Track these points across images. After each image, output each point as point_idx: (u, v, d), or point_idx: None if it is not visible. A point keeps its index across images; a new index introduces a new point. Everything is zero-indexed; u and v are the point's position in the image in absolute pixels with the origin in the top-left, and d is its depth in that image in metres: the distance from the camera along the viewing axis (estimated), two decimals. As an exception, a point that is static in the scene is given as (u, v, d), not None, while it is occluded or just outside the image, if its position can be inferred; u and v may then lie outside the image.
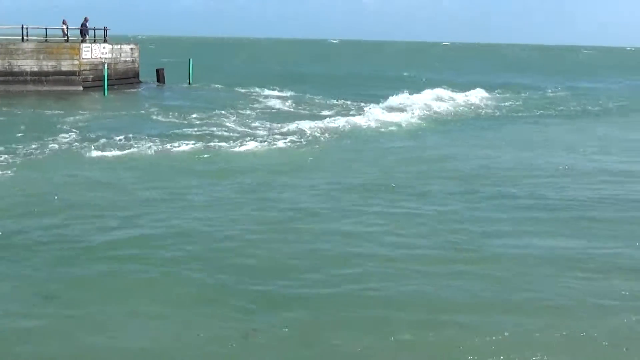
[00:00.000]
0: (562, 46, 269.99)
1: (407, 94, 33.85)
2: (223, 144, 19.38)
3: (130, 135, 20.18)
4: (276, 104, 32.03)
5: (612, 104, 37.09)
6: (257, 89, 38.88)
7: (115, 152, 17.70)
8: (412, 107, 30.31)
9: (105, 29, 39.17)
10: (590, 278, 9.29)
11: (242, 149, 18.77)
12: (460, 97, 35.96)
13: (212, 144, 19.29)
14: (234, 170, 15.73)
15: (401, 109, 29.41)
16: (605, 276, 9.36)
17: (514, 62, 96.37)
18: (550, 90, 44.65)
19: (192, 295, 8.54)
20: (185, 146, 18.77)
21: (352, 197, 13.30)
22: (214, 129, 22.51)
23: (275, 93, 37.49)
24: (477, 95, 37.36)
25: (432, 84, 40.52)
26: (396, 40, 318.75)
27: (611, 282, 9.16)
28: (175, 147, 18.68)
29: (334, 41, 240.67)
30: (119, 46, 38.65)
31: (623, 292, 8.76)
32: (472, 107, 32.51)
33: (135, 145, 18.64)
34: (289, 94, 37.09)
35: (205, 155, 17.61)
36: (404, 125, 24.88)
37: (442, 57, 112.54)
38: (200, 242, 10.46)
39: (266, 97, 35.56)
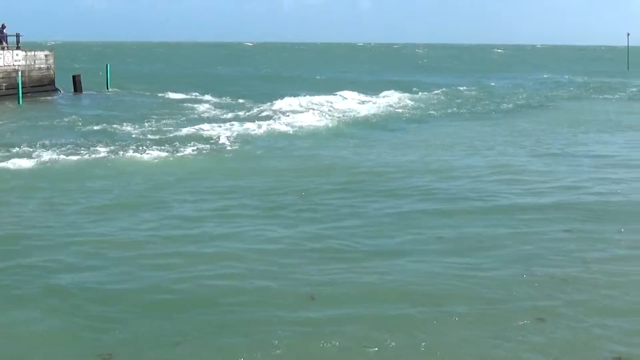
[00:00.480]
0: (476, 45, 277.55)
1: (316, 95, 35.03)
2: (129, 152, 19.28)
3: (44, 144, 20.09)
4: (194, 108, 32.49)
5: (520, 100, 39.12)
6: (174, 94, 39.28)
7: (28, 163, 17.45)
8: (320, 108, 31.37)
9: (17, 35, 38.58)
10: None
11: (145, 156, 18.77)
12: (372, 98, 37.13)
13: (121, 152, 19.21)
14: (123, 179, 15.82)
15: (310, 110, 30.45)
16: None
17: (428, 62, 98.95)
18: (463, 88, 46.57)
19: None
20: (95, 154, 18.84)
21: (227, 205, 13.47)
22: (127, 136, 22.61)
23: (193, 97, 37.99)
24: (389, 96, 38.62)
25: (343, 85, 41.84)
26: (313, 42, 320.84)
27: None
28: (84, 155, 18.71)
29: (249, 44, 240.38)
30: (32, 53, 38.21)
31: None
32: (384, 108, 33.55)
33: (47, 155, 18.41)
34: (206, 97, 37.59)
35: (108, 164, 17.64)
36: (314, 128, 25.49)
37: (356, 58, 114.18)
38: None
39: (183, 101, 36.18)
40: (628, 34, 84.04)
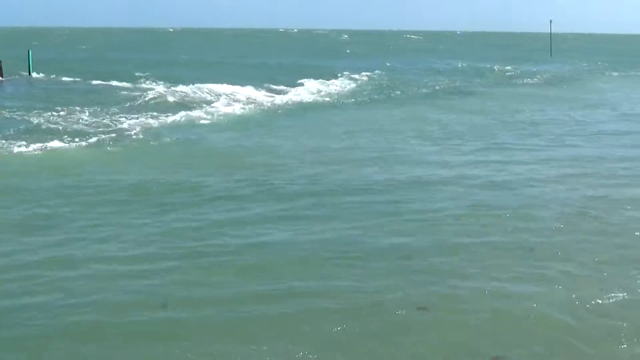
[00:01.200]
0: (391, 31, 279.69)
1: (236, 85, 34.93)
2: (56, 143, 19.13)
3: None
4: (120, 95, 32.21)
5: (430, 88, 40.13)
6: (99, 81, 38.86)
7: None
8: (236, 97, 31.70)
9: None
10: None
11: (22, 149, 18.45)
12: (290, 88, 36.96)
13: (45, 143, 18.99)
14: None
15: (228, 99, 30.81)
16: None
17: (351, 49, 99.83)
18: (377, 73, 47.41)
19: None
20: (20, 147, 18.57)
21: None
22: (49, 125, 22.29)
23: (119, 84, 37.71)
24: (308, 83, 38.95)
25: (265, 72, 41.93)
26: (235, 27, 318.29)
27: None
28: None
29: (171, 30, 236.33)
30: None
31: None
32: (303, 96, 33.95)
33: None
34: (129, 85, 37.25)
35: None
36: (228, 118, 25.83)
37: (278, 44, 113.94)
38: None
39: (108, 87, 35.96)
40: (551, 21, 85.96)
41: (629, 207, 13.12)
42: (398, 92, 36.91)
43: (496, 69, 56.39)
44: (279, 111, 28.48)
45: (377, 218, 12.40)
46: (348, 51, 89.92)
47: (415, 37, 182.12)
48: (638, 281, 9.44)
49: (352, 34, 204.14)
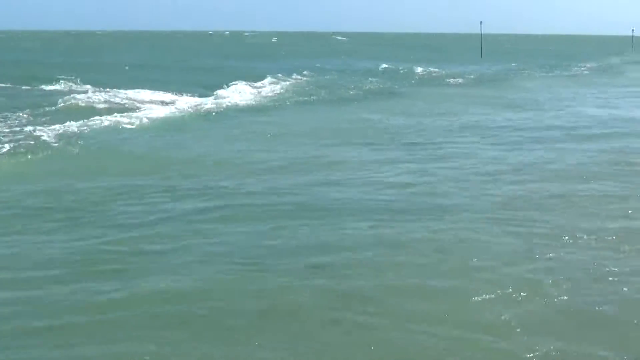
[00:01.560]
0: (320, 32, 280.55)
1: (160, 90, 34.17)
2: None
3: None
4: (37, 99, 30.90)
5: (356, 89, 39.85)
6: (18, 85, 37.39)
7: None
8: (162, 100, 31.16)
9: None
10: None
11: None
12: (218, 91, 35.98)
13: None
14: None
15: (155, 103, 30.30)
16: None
17: (282, 50, 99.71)
18: (305, 76, 47.21)
19: None
20: None
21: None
22: None
23: (38, 87, 36.56)
24: (236, 86, 38.27)
25: (192, 75, 41.24)
26: (160, 29, 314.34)
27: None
28: None
29: (99, 33, 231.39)
30: None
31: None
32: (230, 99, 33.46)
33: None
34: (50, 88, 36.22)
35: None
36: (152, 122, 25.22)
37: (208, 46, 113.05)
38: None
39: (27, 91, 34.80)
40: (481, 22, 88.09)
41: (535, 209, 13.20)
42: (325, 94, 36.74)
43: (420, 70, 56.50)
44: (204, 115, 27.89)
45: (281, 220, 12.21)
46: (283, 53, 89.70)
47: (342, 38, 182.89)
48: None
49: (281, 35, 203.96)
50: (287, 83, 42.42)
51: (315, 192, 14.49)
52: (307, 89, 39.60)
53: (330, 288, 9.27)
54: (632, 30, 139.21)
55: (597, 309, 8.69)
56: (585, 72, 63.43)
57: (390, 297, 9.00)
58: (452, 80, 48.66)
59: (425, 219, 12.41)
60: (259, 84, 40.71)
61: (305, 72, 49.14)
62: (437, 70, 58.20)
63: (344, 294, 9.06)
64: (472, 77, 52.61)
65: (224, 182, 15.25)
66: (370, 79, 47.20)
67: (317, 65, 60.52)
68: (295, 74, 47.47)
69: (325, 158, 18.21)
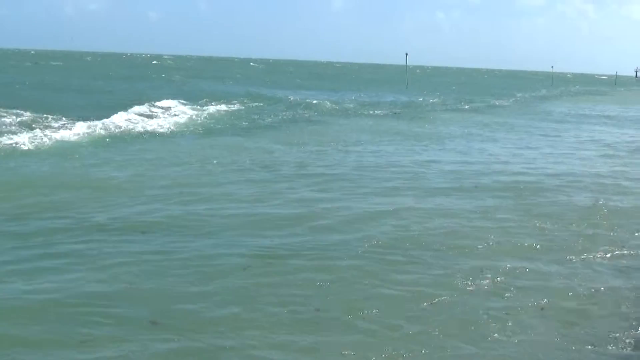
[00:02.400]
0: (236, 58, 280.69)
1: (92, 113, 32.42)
2: None
3: None
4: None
5: (270, 117, 38.68)
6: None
7: None
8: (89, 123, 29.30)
9: None
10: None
11: None
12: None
13: None
14: None
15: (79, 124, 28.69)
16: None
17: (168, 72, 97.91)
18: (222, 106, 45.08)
19: None
20: None
21: None
22: None
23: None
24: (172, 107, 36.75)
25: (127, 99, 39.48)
26: (98, 51, 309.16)
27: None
28: None
29: (33, 52, 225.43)
30: None
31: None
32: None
33: None
34: None
35: None
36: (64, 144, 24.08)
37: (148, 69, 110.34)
38: None
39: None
40: (407, 54, 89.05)
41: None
42: (236, 123, 35.38)
43: (327, 103, 52.52)
44: (95, 141, 26.13)
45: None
46: (178, 76, 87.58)
47: (255, 64, 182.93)
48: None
49: (181, 59, 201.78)
50: (193, 110, 40.60)
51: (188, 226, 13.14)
52: (217, 116, 38.21)
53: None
54: (552, 67, 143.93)
55: None
56: (506, 104, 64.13)
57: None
58: (371, 111, 47.54)
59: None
60: (155, 109, 38.63)
61: (207, 99, 47.14)
62: (362, 99, 57.43)
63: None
64: (392, 107, 51.95)
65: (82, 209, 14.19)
66: (284, 108, 45.90)
67: (231, 90, 58.99)
68: (204, 99, 46.04)
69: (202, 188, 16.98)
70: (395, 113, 47.17)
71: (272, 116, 39.51)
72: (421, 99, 64.91)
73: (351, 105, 52.15)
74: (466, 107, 58.15)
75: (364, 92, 73.35)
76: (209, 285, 10.03)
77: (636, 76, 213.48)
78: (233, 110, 42.43)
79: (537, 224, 14.39)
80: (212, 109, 41.69)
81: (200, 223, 13.57)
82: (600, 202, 17.03)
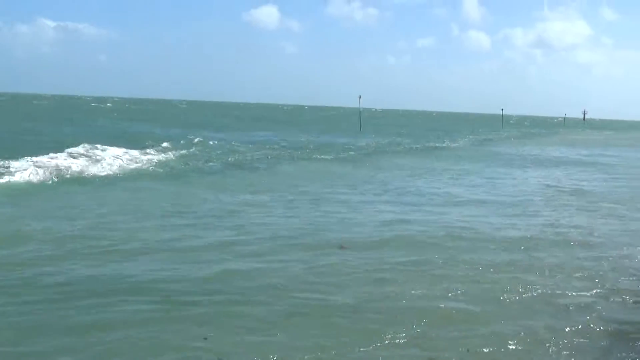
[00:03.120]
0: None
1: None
2: None
3: None
4: None
5: (210, 161, 37.48)
6: None
7: None
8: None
9: None
10: None
11: None
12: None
13: None
14: None
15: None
16: None
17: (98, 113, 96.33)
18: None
19: None
20: None
21: None
22: None
23: None
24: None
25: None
26: (49, 93, 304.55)
27: None
28: None
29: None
30: None
31: None
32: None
33: None
34: None
35: None
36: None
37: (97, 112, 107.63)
38: None
39: None
40: (360, 96, 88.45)
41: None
42: (176, 166, 33.96)
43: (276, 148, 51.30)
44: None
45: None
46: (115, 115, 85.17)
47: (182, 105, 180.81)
48: None
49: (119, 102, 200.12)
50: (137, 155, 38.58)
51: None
52: (150, 161, 36.32)
53: None
54: (502, 109, 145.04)
55: None
56: (454, 146, 64.08)
57: None
58: (320, 156, 45.46)
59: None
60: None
61: (149, 142, 45.55)
62: (318, 140, 55.99)
63: None
64: (342, 151, 50.55)
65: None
66: (226, 152, 44.48)
67: (168, 134, 57.49)
68: (145, 142, 44.48)
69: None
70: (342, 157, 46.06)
71: (209, 162, 37.90)
72: (376, 141, 64.64)
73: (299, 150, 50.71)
74: (417, 146, 58.07)
75: (313, 134, 72.59)
76: None
77: (584, 118, 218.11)
78: (166, 156, 39.95)
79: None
80: (140, 153, 39.19)
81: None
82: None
